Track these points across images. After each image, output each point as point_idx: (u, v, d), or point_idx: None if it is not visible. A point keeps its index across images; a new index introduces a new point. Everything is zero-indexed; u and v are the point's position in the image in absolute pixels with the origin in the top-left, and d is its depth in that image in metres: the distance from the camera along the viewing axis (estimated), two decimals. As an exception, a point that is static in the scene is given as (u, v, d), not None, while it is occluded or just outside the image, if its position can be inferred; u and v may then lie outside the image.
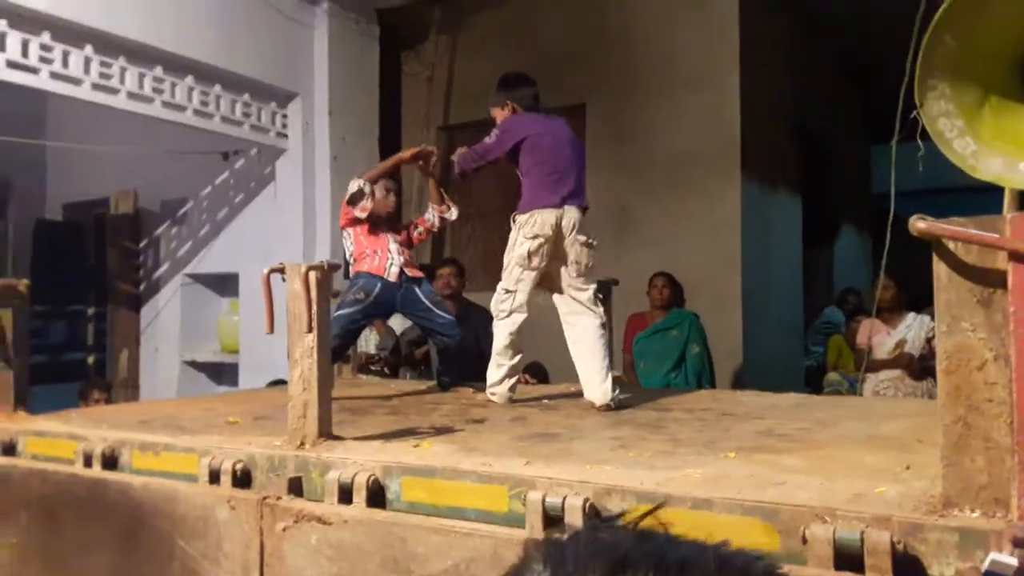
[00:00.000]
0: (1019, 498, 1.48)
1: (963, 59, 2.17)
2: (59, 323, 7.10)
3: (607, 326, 3.53)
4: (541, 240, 3.34)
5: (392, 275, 3.75)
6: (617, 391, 3.27)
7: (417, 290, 3.82)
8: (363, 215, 3.77)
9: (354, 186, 3.77)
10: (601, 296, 3.49)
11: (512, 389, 3.51)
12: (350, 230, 3.87)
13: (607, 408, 3.19)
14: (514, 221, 3.44)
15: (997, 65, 2.19)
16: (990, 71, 2.20)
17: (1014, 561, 1.15)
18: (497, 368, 3.48)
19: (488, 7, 6.93)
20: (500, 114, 3.59)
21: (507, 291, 3.44)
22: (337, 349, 3.81)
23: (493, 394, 3.49)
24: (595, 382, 3.27)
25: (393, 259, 3.77)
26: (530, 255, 3.36)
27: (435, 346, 4.03)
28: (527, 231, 3.35)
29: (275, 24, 5.98)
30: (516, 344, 3.47)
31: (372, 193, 3.77)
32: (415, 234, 4.05)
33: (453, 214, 4.11)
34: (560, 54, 6.46)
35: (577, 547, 0.55)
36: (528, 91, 3.61)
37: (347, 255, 3.93)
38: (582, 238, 3.37)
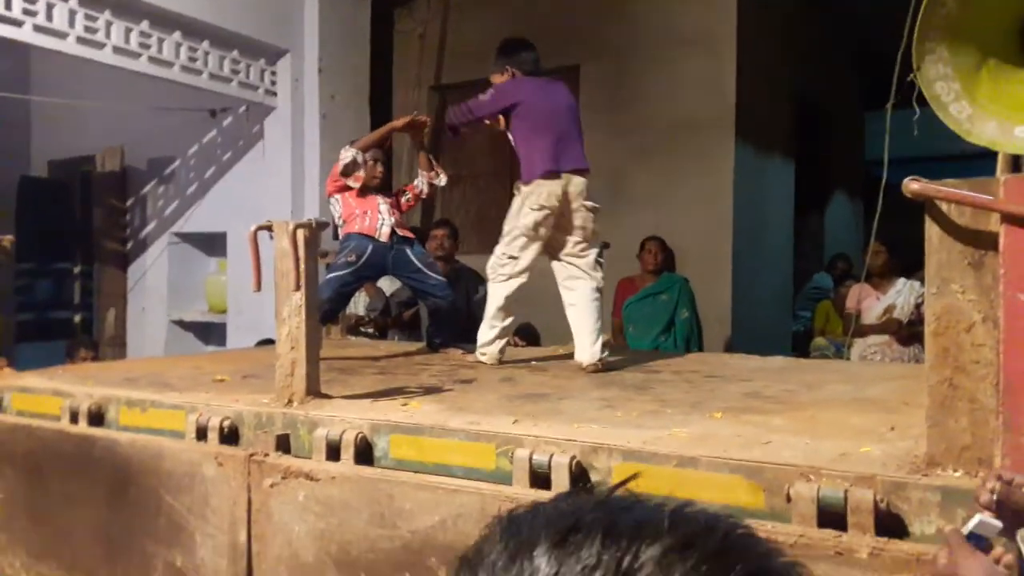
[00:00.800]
0: (1002, 458, 1.49)
1: (962, 21, 2.14)
2: (45, 281, 7.03)
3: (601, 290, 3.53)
4: (548, 211, 3.32)
5: (383, 235, 3.73)
6: (605, 353, 3.28)
7: (408, 251, 3.80)
8: (356, 185, 3.76)
9: (347, 156, 3.72)
10: (603, 261, 3.48)
11: (502, 351, 3.51)
12: (337, 196, 3.84)
13: (595, 369, 3.20)
14: (518, 190, 3.41)
15: (996, 27, 2.17)
16: (989, 34, 2.18)
17: (998, 523, 1.16)
18: (489, 329, 3.48)
19: (481, -36, 6.81)
20: (500, 80, 3.55)
21: (509, 256, 3.42)
22: (328, 312, 3.80)
23: (483, 354, 3.49)
24: (585, 344, 3.28)
25: (384, 219, 3.75)
26: (536, 225, 3.35)
27: (426, 307, 4.02)
28: (532, 202, 3.33)
29: (264, -22, 5.86)
30: (510, 307, 3.47)
31: (364, 163, 3.74)
32: (403, 200, 4.02)
33: (442, 180, 4.09)
34: (556, 13, 6.36)
35: (535, 517, 0.54)
36: (528, 55, 3.56)
37: (336, 219, 3.90)
38: (588, 204, 3.38)
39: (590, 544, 0.50)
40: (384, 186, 4.01)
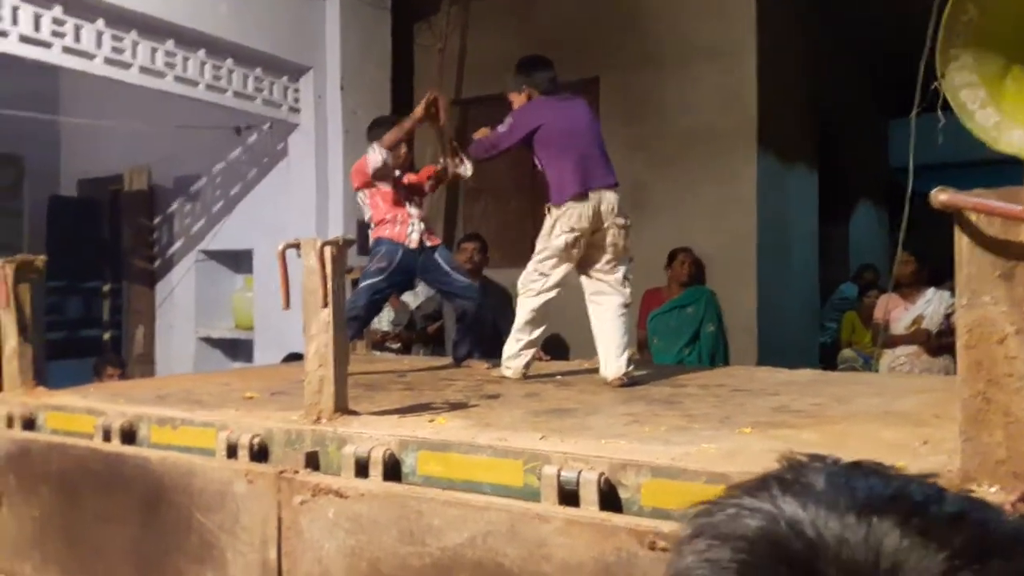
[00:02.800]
0: (1039, 473, 1.47)
1: (985, 29, 2.13)
2: (75, 299, 7.14)
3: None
4: (578, 234, 3.33)
5: (413, 242, 3.80)
6: (631, 367, 3.27)
7: (436, 255, 3.88)
8: (387, 187, 3.79)
9: (378, 159, 3.76)
10: (631, 277, 3.48)
11: (527, 365, 3.51)
12: (365, 191, 3.87)
13: (620, 383, 3.19)
14: (549, 212, 3.41)
15: (1020, 34, 2.15)
16: (1013, 41, 2.16)
17: None
18: (516, 342, 3.49)
19: (501, -22, 6.85)
20: (517, 99, 3.56)
21: (540, 273, 3.44)
22: (363, 321, 3.88)
23: (508, 368, 3.50)
24: (610, 358, 3.27)
25: (414, 225, 3.81)
26: (567, 247, 3.36)
27: (454, 311, 4.03)
28: (563, 224, 3.33)
29: (286, -3, 5.94)
30: (538, 320, 3.48)
31: (389, 156, 3.77)
32: (427, 185, 4.06)
33: (467, 170, 4.04)
34: (574, 26, 6.38)
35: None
36: (544, 74, 3.56)
37: (365, 218, 3.93)
38: (620, 220, 3.37)
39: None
40: (409, 168, 4.04)
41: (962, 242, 1.58)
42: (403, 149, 3.91)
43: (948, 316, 4.64)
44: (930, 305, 4.81)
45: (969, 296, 1.58)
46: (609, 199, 3.36)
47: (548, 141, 3.39)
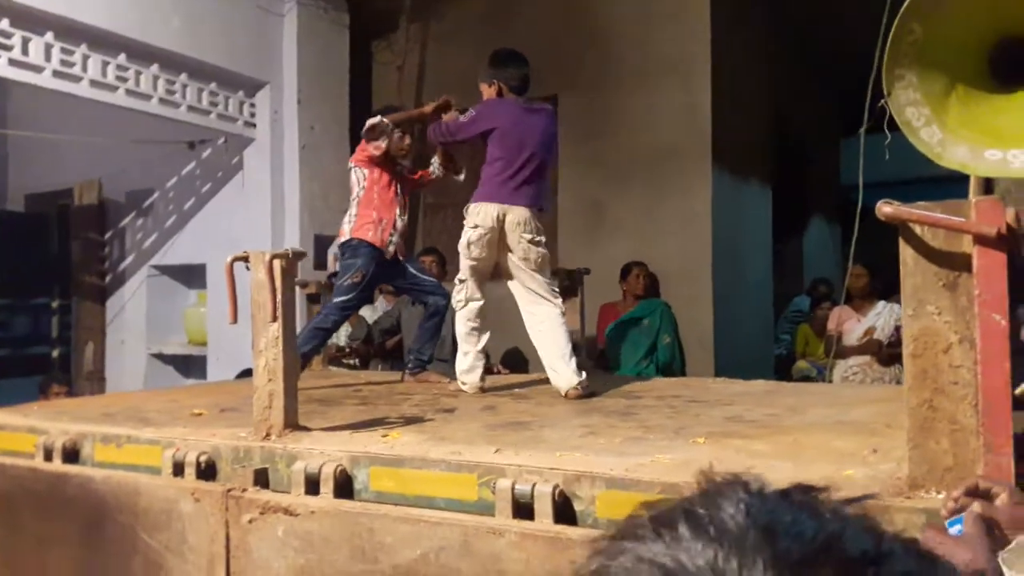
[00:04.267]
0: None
1: (930, 48, 2.18)
2: (22, 316, 6.94)
3: (581, 313, 3.53)
4: (481, 231, 3.37)
5: (389, 252, 3.82)
6: (584, 375, 3.26)
7: (405, 264, 3.95)
8: (377, 153, 3.75)
9: (373, 120, 3.73)
10: (566, 284, 3.50)
11: (482, 378, 3.50)
12: (363, 171, 3.83)
13: (577, 394, 3.18)
14: (466, 211, 3.47)
15: (964, 54, 2.20)
16: (957, 60, 2.21)
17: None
18: (464, 355, 3.50)
19: (460, -4, 6.87)
20: (487, 91, 3.57)
21: (460, 280, 3.51)
22: (327, 335, 3.89)
23: (464, 384, 3.48)
24: (560, 369, 3.27)
25: (394, 237, 3.81)
26: (469, 244, 3.42)
27: (426, 309, 4.03)
28: (469, 221, 3.42)
29: (243, 12, 5.88)
30: (479, 328, 3.51)
31: (391, 134, 3.72)
32: (415, 177, 4.10)
33: (461, 178, 4.11)
34: (533, 45, 6.37)
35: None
36: (516, 72, 3.56)
37: (352, 194, 3.89)
38: (527, 236, 3.37)
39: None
40: (406, 166, 4.05)
41: (907, 253, 1.61)
42: (407, 140, 3.90)
43: (898, 327, 4.74)
44: (880, 317, 4.91)
45: (915, 306, 1.60)
46: (519, 213, 3.36)
47: (496, 144, 3.42)
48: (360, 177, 3.84)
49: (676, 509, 0.49)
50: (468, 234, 3.42)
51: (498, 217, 3.35)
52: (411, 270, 3.97)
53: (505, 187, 3.37)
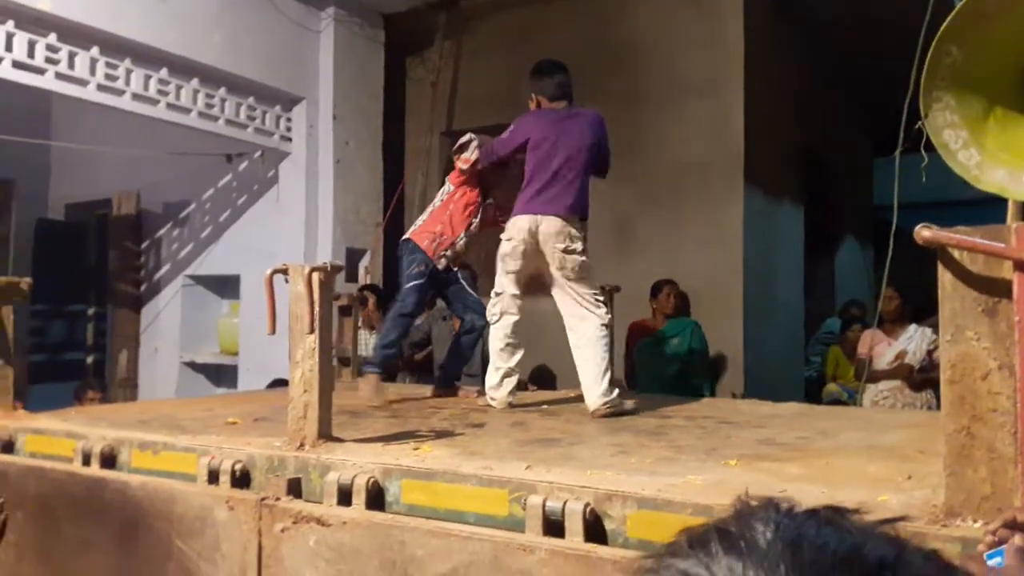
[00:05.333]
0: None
1: (968, 70, 2.17)
2: (59, 323, 7.09)
3: (611, 327, 3.53)
4: (515, 243, 3.42)
5: (440, 264, 3.88)
6: (615, 393, 3.26)
7: (457, 274, 4.05)
8: (464, 166, 3.81)
9: (463, 138, 3.83)
10: (603, 299, 3.48)
11: (512, 393, 3.50)
12: (451, 186, 3.91)
13: (604, 413, 3.18)
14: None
15: (1002, 76, 2.19)
16: (995, 83, 2.20)
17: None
18: (495, 371, 3.49)
19: (493, 14, 6.94)
20: (530, 105, 3.63)
21: (496, 294, 3.54)
22: (410, 319, 4.02)
23: (492, 399, 3.49)
24: (592, 387, 3.26)
25: (448, 253, 3.88)
26: (504, 257, 3.47)
27: (463, 325, 4.07)
28: (504, 234, 3.49)
29: (281, 28, 6.00)
30: (512, 346, 3.51)
31: (475, 148, 3.75)
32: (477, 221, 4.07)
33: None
34: (564, 62, 6.43)
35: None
36: (550, 80, 3.58)
37: (434, 201, 4.00)
38: (560, 245, 3.36)
39: None
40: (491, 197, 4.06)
41: (945, 278, 1.60)
42: (502, 172, 3.92)
43: (930, 352, 4.68)
44: (912, 341, 4.84)
45: (953, 332, 1.59)
46: (551, 223, 3.36)
47: (529, 155, 3.46)
48: (445, 191, 3.95)
49: (710, 529, 0.53)
50: (503, 247, 3.48)
51: (530, 229, 3.38)
52: (462, 282, 4.06)
53: (538, 198, 3.39)
